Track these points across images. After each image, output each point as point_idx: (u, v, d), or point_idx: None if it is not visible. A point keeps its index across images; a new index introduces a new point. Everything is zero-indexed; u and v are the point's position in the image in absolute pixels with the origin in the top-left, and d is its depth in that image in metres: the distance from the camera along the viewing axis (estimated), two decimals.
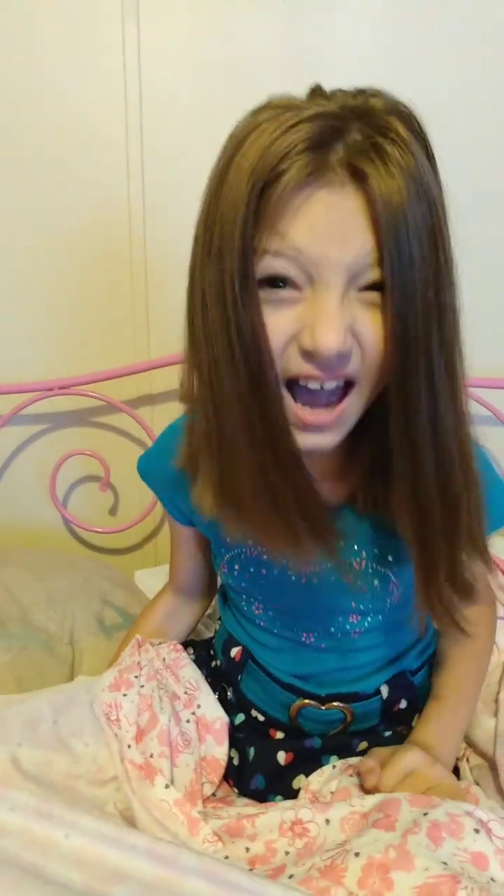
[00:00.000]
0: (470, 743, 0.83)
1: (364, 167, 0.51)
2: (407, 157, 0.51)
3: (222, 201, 0.53)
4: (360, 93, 0.53)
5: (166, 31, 1.09)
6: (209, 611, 1.05)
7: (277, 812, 0.63)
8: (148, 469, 0.82)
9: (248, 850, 0.62)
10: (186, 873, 0.49)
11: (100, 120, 1.12)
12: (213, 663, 0.87)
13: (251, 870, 0.60)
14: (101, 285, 1.20)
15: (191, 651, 0.89)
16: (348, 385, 0.56)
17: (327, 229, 0.52)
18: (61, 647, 0.94)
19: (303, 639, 0.77)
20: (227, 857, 0.62)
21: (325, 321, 0.52)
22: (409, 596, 0.75)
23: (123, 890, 0.49)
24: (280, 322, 0.54)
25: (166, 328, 1.22)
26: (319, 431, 0.57)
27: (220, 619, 0.90)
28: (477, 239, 1.18)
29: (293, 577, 0.73)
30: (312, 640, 0.77)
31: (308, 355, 0.53)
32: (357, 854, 0.55)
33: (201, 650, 0.90)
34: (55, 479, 1.25)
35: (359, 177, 0.51)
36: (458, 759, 0.82)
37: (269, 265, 0.53)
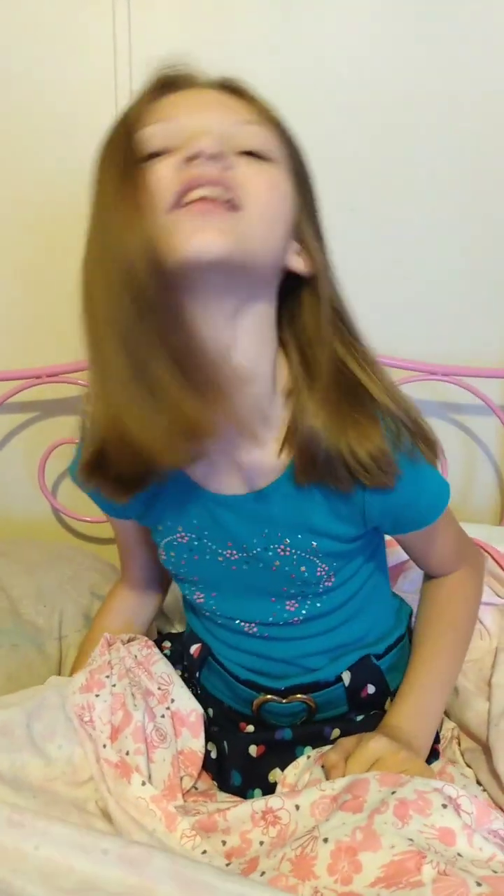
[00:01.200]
0: (463, 726, 0.84)
1: (218, 81, 0.63)
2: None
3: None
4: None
5: (158, 12, 1.07)
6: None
7: (248, 804, 0.63)
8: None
9: (224, 843, 0.63)
10: (159, 877, 0.48)
11: (89, 104, 1.10)
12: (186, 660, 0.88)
13: (228, 864, 0.61)
14: None
15: (168, 645, 0.89)
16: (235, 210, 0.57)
17: (193, 102, 0.60)
18: (50, 644, 0.94)
19: (246, 629, 0.77)
20: (204, 852, 0.62)
21: (197, 133, 0.56)
22: (348, 583, 0.76)
23: None
24: (162, 165, 0.57)
25: None
26: (206, 215, 0.55)
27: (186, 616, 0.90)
28: (470, 232, 1.18)
29: (223, 563, 0.74)
30: (255, 630, 0.77)
31: (188, 163, 0.56)
32: (326, 840, 0.55)
33: (178, 644, 0.90)
34: (44, 468, 1.25)
35: (216, 87, 0.62)
36: (447, 741, 0.83)
37: (149, 136, 0.58)
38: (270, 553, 0.71)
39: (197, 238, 0.54)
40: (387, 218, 1.17)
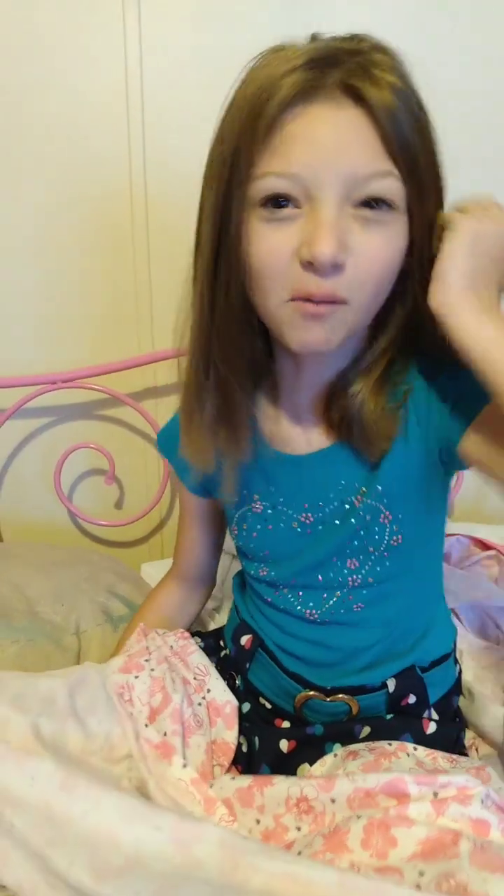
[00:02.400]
0: (478, 732, 0.84)
1: (359, 85, 0.55)
2: (396, 75, 0.56)
3: (223, 132, 0.59)
4: (352, 36, 0.58)
5: (168, 18, 1.08)
6: (212, 605, 1.05)
7: (283, 786, 0.63)
8: (165, 441, 0.84)
9: (258, 822, 0.63)
10: (205, 854, 0.49)
11: (100, 110, 1.12)
12: (223, 653, 0.88)
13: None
14: (104, 278, 1.20)
15: (198, 640, 0.89)
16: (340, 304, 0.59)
17: (323, 142, 0.55)
18: (67, 638, 0.95)
19: (307, 615, 0.77)
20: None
21: (320, 230, 0.55)
22: (410, 553, 0.75)
23: (130, 879, 0.49)
24: (279, 237, 0.57)
25: (170, 321, 1.20)
26: (318, 321, 0.59)
27: (233, 607, 0.90)
28: None
29: (297, 530, 0.76)
30: (316, 615, 0.77)
31: (307, 266, 0.57)
32: (359, 816, 0.56)
33: (209, 639, 0.91)
34: (60, 473, 1.25)
35: (354, 95, 0.55)
36: (467, 748, 0.83)
37: (270, 185, 0.57)
38: (347, 506, 0.72)
39: (306, 339, 0.61)
40: None
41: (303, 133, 0.55)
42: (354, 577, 0.75)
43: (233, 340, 0.65)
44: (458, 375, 0.62)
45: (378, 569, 0.75)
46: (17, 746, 0.59)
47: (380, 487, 0.71)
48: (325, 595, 0.76)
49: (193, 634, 0.93)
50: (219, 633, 0.92)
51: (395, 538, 0.73)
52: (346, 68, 0.55)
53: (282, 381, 0.74)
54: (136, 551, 1.39)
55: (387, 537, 0.73)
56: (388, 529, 0.73)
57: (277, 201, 0.57)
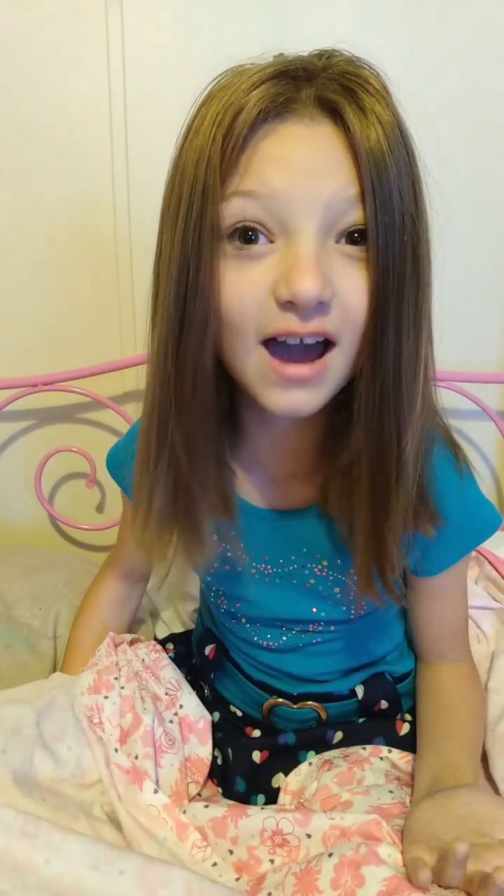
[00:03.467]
0: None
1: (336, 100, 0.49)
2: (380, 99, 0.50)
3: (186, 153, 0.52)
4: (325, 51, 0.53)
5: (151, 23, 1.08)
6: (192, 606, 1.04)
7: (258, 818, 0.63)
8: (114, 462, 0.81)
9: (231, 852, 0.63)
10: (168, 887, 0.48)
11: (83, 115, 1.11)
12: (193, 660, 0.87)
13: (238, 878, 0.60)
14: (86, 281, 1.19)
15: (171, 647, 0.88)
16: (329, 346, 0.53)
17: (299, 164, 0.49)
18: (44, 643, 0.93)
19: (263, 644, 0.76)
20: (215, 864, 0.62)
21: (301, 265, 0.49)
22: (377, 611, 0.74)
23: None
24: (251, 276, 0.51)
25: None
26: (300, 386, 0.53)
27: (199, 613, 0.89)
28: (465, 235, 1.18)
29: (255, 576, 0.73)
30: (273, 646, 0.76)
31: (286, 306, 0.50)
32: (330, 855, 0.56)
33: (181, 646, 0.90)
34: (40, 477, 1.24)
35: (331, 113, 0.50)
36: None
37: (239, 210, 0.50)
38: (307, 572, 0.70)
39: (290, 401, 0.54)
40: None
41: (275, 153, 0.49)
42: (315, 623, 0.74)
43: (204, 409, 0.57)
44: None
45: (342, 621, 0.74)
46: None
47: (352, 570, 0.67)
48: (283, 629, 0.75)
49: (167, 640, 0.92)
50: (189, 638, 0.92)
51: (360, 609, 0.72)
52: (321, 82, 0.50)
53: (250, 444, 0.68)
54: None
55: (352, 609, 0.72)
56: (354, 603, 0.72)
57: (247, 234, 0.50)
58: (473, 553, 1.07)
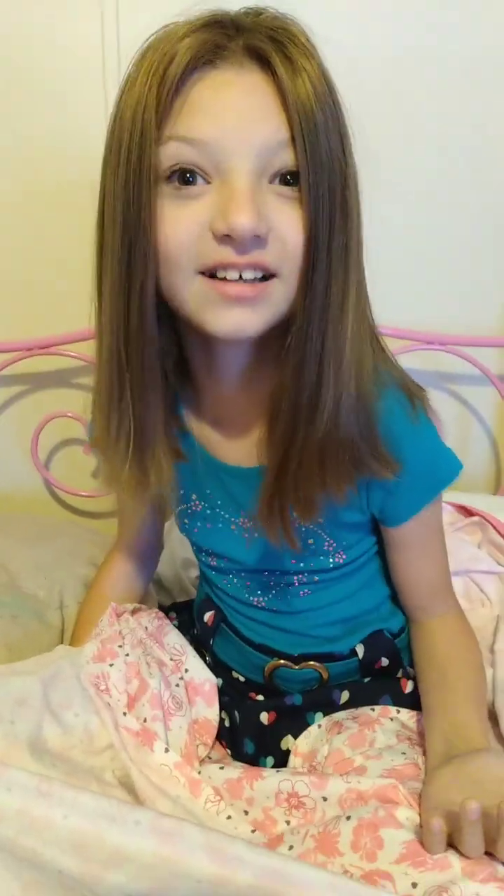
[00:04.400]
0: None
1: (264, 48, 0.52)
2: (305, 52, 0.53)
3: (124, 102, 0.55)
4: (255, 8, 0.56)
5: None
6: (195, 573, 1.04)
7: (274, 780, 0.63)
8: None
9: (246, 812, 0.63)
10: (191, 848, 0.48)
11: (76, 70, 1.07)
12: (195, 630, 0.87)
13: (253, 831, 0.61)
14: (81, 243, 1.15)
15: (174, 616, 0.89)
16: (269, 278, 0.56)
17: (230, 111, 0.52)
18: (51, 613, 0.93)
19: (255, 603, 0.77)
20: (229, 817, 0.62)
21: (235, 200, 0.52)
22: (357, 558, 0.75)
23: (119, 874, 0.48)
24: (188, 212, 0.54)
25: None
26: (242, 305, 0.55)
27: (200, 580, 0.90)
28: (466, 199, 1.16)
29: (235, 532, 0.74)
30: (264, 603, 0.77)
31: (223, 240, 0.53)
32: (348, 817, 0.56)
33: (185, 615, 0.90)
34: (37, 442, 1.23)
35: (260, 61, 0.53)
36: None
37: (175, 154, 0.53)
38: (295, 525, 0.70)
39: (232, 322, 0.56)
40: (380, 182, 1.15)
41: (207, 99, 0.53)
42: (300, 575, 0.75)
43: (148, 339, 0.59)
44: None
45: (322, 570, 0.75)
46: None
47: (320, 520, 0.69)
48: (272, 583, 0.76)
49: (170, 609, 0.92)
50: (192, 606, 0.92)
51: (338, 556, 0.73)
52: (249, 33, 0.53)
53: (208, 399, 0.70)
54: (113, 522, 1.37)
55: (331, 559, 0.73)
56: (331, 553, 0.73)
57: (185, 176, 0.53)
58: (477, 518, 1.08)
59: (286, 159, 0.53)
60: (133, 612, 0.84)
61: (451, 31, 1.08)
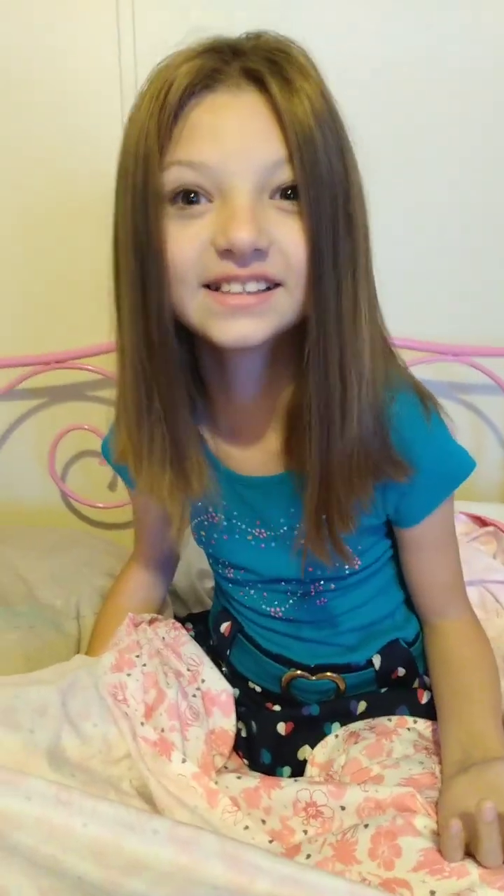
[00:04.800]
0: None
1: (260, 70, 0.54)
2: (304, 71, 0.55)
3: (130, 129, 0.57)
4: (256, 32, 0.58)
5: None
6: (210, 584, 1.04)
7: (292, 789, 0.63)
8: (108, 448, 0.81)
9: (263, 822, 0.64)
10: (208, 857, 0.49)
11: (93, 81, 1.09)
12: (211, 641, 0.88)
13: (271, 841, 0.61)
14: (97, 257, 1.16)
15: (190, 627, 0.89)
16: (276, 287, 0.58)
17: (228, 134, 0.54)
18: (68, 623, 0.94)
19: (272, 613, 0.78)
20: (247, 827, 0.63)
21: (235, 217, 0.53)
22: (372, 563, 0.76)
23: (138, 882, 0.48)
24: (192, 231, 0.56)
25: None
26: (244, 314, 0.57)
27: (216, 592, 0.90)
28: (480, 209, 1.17)
29: (252, 543, 0.75)
30: (280, 614, 0.78)
31: (224, 254, 0.55)
32: (366, 826, 0.56)
33: (200, 626, 0.90)
34: (54, 455, 1.24)
35: (256, 82, 0.55)
36: None
37: (178, 177, 0.55)
38: (296, 532, 0.71)
39: (235, 331, 0.57)
40: (395, 194, 1.15)
41: (206, 122, 0.54)
42: (317, 584, 0.75)
43: (171, 353, 0.61)
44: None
45: (339, 577, 0.75)
46: (12, 765, 0.58)
47: (354, 529, 0.69)
48: (287, 594, 0.77)
49: (186, 619, 0.92)
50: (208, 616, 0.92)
51: (353, 563, 0.73)
52: (246, 57, 0.55)
53: (222, 411, 0.72)
54: (129, 533, 1.38)
55: (346, 565, 0.74)
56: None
57: (188, 196, 0.56)
58: (492, 528, 1.08)
59: (285, 176, 0.55)
60: (150, 622, 0.85)
61: (452, 34, 1.09)
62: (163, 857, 0.49)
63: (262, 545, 0.75)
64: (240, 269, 0.55)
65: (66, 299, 1.20)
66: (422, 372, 1.18)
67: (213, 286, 0.57)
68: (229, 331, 0.57)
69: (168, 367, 0.62)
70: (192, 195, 0.55)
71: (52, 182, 1.13)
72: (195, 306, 0.58)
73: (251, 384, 0.68)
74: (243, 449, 0.72)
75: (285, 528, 0.72)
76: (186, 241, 0.56)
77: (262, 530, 0.74)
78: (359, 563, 0.74)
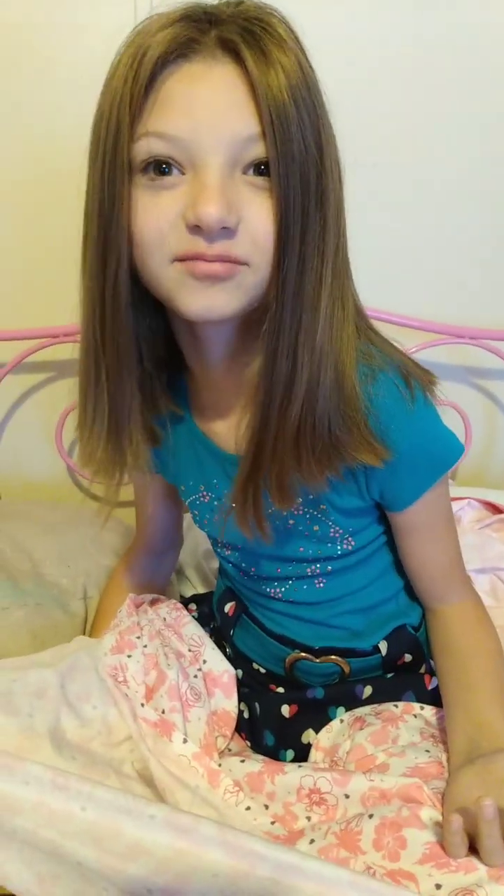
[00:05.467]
0: None
1: (236, 41, 0.52)
2: (282, 43, 0.53)
3: (104, 95, 0.56)
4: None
5: None
6: (216, 563, 1.03)
7: (296, 775, 0.63)
8: None
9: (266, 807, 0.63)
10: (206, 844, 0.48)
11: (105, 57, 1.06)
12: (213, 623, 0.87)
13: (273, 822, 0.61)
14: None
15: (194, 607, 0.88)
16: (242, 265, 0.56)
17: (200, 105, 0.53)
18: (75, 603, 0.93)
19: (271, 594, 0.77)
20: (248, 808, 0.62)
21: (204, 192, 0.53)
22: (367, 544, 0.75)
23: (139, 867, 0.48)
24: (163, 202, 0.55)
25: None
26: (213, 284, 0.56)
27: (220, 572, 0.90)
28: (497, 193, 1.14)
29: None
30: (280, 594, 0.77)
31: (194, 230, 0.54)
32: (371, 816, 0.55)
33: (204, 606, 0.90)
34: (61, 429, 1.23)
35: (233, 53, 0.53)
36: None
37: (149, 147, 0.54)
38: (285, 513, 0.70)
39: (200, 303, 0.56)
40: (411, 177, 1.13)
41: (179, 93, 0.53)
42: (311, 564, 0.74)
43: (121, 326, 0.60)
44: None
45: (332, 557, 0.74)
46: (11, 750, 0.57)
47: (323, 506, 0.69)
48: (286, 575, 0.76)
49: (189, 601, 0.92)
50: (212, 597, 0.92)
51: (346, 543, 0.72)
52: (224, 26, 0.53)
53: (192, 369, 0.71)
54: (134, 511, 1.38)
55: (339, 545, 0.73)
56: (338, 540, 0.72)
57: (160, 167, 0.54)
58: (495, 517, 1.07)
59: (258, 151, 0.54)
60: (151, 603, 0.84)
61: (450, 31, 1.07)
62: (161, 842, 0.48)
63: None
64: (207, 248, 0.54)
65: (75, 272, 1.17)
66: (436, 355, 1.17)
67: (182, 259, 0.56)
68: (194, 303, 0.56)
69: (118, 339, 0.61)
70: (164, 166, 0.54)
71: (59, 152, 1.10)
72: (166, 277, 0.57)
73: (222, 358, 0.67)
74: (224, 426, 0.71)
75: (273, 509, 0.70)
76: (156, 213, 0.55)
77: None
78: (353, 543, 0.73)
